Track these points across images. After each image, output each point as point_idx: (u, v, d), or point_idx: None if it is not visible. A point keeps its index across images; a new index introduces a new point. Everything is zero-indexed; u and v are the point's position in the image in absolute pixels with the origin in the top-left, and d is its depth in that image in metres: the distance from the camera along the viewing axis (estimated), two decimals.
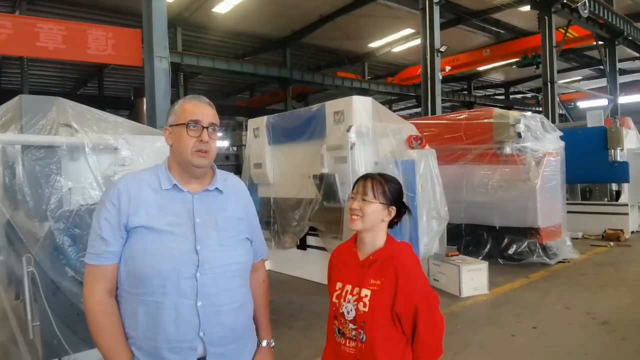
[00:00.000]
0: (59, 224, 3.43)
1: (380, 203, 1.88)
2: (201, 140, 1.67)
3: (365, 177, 1.94)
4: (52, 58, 11.19)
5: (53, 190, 3.54)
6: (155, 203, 1.66)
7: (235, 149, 12.91)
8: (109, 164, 3.80)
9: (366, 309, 1.80)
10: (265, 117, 7.86)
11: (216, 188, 1.77)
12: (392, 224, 1.97)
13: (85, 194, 3.69)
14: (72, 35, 8.20)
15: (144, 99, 9.86)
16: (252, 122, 8.15)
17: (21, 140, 3.53)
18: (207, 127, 1.69)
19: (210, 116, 1.72)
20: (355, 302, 1.84)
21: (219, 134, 1.77)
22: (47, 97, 3.84)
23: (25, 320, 3.25)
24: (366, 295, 1.82)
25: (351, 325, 1.84)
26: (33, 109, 3.61)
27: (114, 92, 23.27)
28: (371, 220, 1.88)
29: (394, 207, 1.90)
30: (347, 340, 1.86)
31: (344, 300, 1.88)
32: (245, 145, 8.72)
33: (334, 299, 1.94)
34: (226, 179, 1.84)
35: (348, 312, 1.85)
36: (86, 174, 3.72)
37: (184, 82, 18.58)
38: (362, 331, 1.81)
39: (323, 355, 2.00)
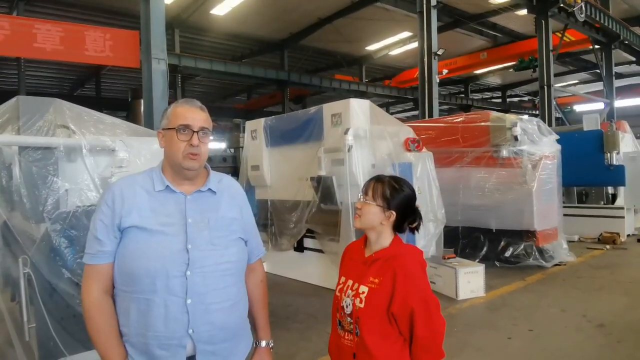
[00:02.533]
0: (55, 226, 3.41)
1: (378, 205, 1.89)
2: (191, 144, 1.70)
3: (373, 178, 1.97)
4: (49, 59, 11.18)
5: (50, 192, 3.52)
6: (149, 204, 1.70)
7: (232, 151, 12.92)
8: (106, 165, 3.79)
9: (362, 305, 1.84)
10: (262, 119, 7.87)
11: (209, 189, 1.79)
12: (402, 229, 1.95)
13: (82, 196, 3.68)
14: (70, 37, 8.20)
15: (142, 101, 9.86)
16: (250, 124, 8.15)
17: (18, 142, 3.52)
18: (197, 132, 1.71)
19: (201, 120, 1.74)
20: (353, 298, 1.88)
21: (211, 137, 1.79)
22: (45, 99, 3.83)
23: (22, 322, 3.23)
24: (363, 292, 1.86)
25: (349, 319, 1.89)
26: (30, 110, 3.59)
27: (111, 93, 23.24)
28: (368, 221, 1.92)
29: (394, 212, 1.89)
30: (346, 333, 1.91)
31: (345, 295, 1.93)
32: (242, 147, 8.72)
33: (337, 292, 1.99)
34: (221, 180, 1.87)
35: (347, 306, 1.89)
36: (83, 176, 3.71)
37: (181, 83, 18.62)
38: (357, 326, 1.85)
39: (329, 344, 2.05)
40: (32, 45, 7.94)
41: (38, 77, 20.26)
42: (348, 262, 2.05)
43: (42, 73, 19.92)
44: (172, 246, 1.66)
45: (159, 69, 7.73)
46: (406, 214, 1.93)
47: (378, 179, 1.95)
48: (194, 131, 1.70)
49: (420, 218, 1.98)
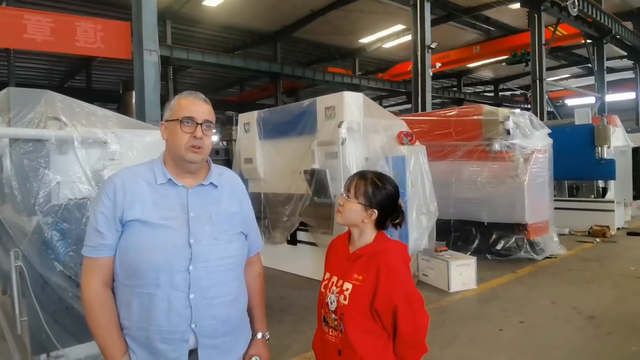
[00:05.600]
0: (47, 219, 3.38)
1: (359, 203, 1.88)
2: (195, 137, 1.69)
3: (356, 175, 1.95)
4: (39, 50, 11.06)
5: (41, 184, 3.49)
6: (150, 197, 1.69)
7: (225, 143, 12.88)
8: (98, 157, 3.76)
9: (346, 302, 1.84)
10: (256, 112, 7.84)
11: (211, 183, 1.79)
12: (385, 225, 1.94)
13: (74, 188, 3.65)
14: (61, 28, 8.11)
15: (133, 92, 9.79)
16: (243, 117, 8.12)
17: (9, 134, 3.48)
18: (201, 124, 1.70)
19: (205, 113, 1.73)
20: (338, 294, 1.88)
21: (214, 131, 1.78)
22: (36, 90, 3.78)
23: (13, 315, 3.23)
24: (347, 289, 1.86)
25: (333, 316, 1.89)
26: (21, 102, 3.56)
27: (102, 85, 23.01)
28: (349, 218, 1.91)
29: (376, 211, 1.88)
30: (331, 330, 1.91)
31: (329, 291, 1.92)
32: (235, 140, 8.70)
33: (322, 289, 1.98)
34: (221, 174, 1.86)
35: (331, 303, 1.90)
36: (75, 168, 3.67)
37: (173, 75, 18.45)
38: (341, 322, 1.85)
39: (313, 339, 2.06)
40: (22, 36, 7.86)
41: (27, 69, 20.01)
42: (333, 258, 2.04)
43: (31, 64, 19.68)
44: (175, 240, 1.65)
45: (151, 60, 7.67)
46: (388, 212, 1.92)
47: (361, 176, 1.92)
48: (198, 123, 1.70)
49: (403, 215, 1.97)
